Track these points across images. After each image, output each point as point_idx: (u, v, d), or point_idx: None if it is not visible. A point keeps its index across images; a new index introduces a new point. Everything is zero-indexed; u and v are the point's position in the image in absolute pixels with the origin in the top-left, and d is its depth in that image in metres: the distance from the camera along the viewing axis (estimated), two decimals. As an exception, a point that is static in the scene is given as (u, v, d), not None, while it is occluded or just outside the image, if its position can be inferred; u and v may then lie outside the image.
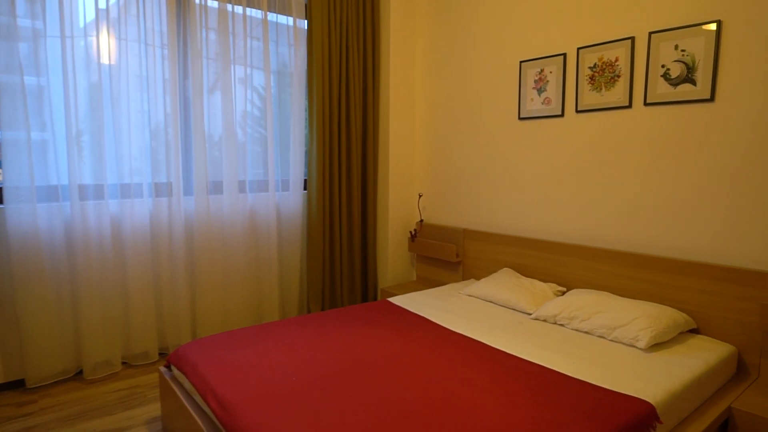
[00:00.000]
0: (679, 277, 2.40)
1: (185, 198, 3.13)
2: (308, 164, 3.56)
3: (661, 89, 2.47)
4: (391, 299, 2.93)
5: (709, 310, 2.31)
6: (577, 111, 2.83)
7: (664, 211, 2.50)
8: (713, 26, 2.27)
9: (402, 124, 3.80)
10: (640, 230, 2.60)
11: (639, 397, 1.73)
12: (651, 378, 1.88)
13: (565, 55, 2.86)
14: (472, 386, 1.80)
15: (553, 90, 2.95)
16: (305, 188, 3.65)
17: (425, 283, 3.82)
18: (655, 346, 2.16)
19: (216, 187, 3.26)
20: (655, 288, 2.49)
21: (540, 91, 3.02)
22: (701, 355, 2.09)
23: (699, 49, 2.32)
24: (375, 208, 3.85)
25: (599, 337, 2.32)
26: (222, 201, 3.25)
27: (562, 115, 2.91)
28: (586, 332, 2.37)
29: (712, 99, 2.30)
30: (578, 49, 2.79)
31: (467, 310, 2.72)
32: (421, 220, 3.85)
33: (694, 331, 2.37)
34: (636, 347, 2.18)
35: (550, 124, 2.99)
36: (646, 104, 2.53)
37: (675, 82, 2.42)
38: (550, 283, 2.89)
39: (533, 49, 3.04)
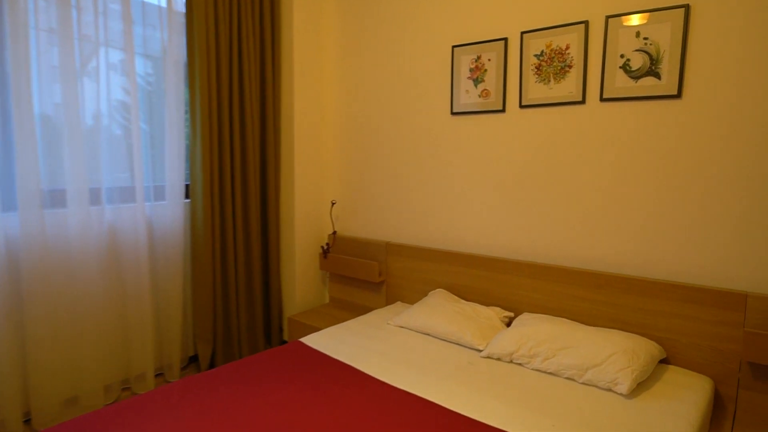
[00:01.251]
0: (645, 300, 2.09)
1: (4, 215, 2.20)
2: (190, 166, 2.78)
3: (620, 83, 2.14)
4: (305, 340, 2.30)
5: (679, 337, 2.03)
6: (521, 106, 2.43)
7: (626, 223, 2.18)
8: (680, 11, 1.97)
9: (310, 118, 3.17)
10: (599, 245, 2.26)
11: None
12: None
13: (506, 40, 2.45)
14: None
15: (492, 81, 2.52)
16: (188, 196, 2.86)
17: (340, 306, 3.23)
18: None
19: (56, 199, 2.36)
20: (618, 312, 2.17)
21: (477, 81, 2.58)
22: (688, 397, 1.77)
23: (664, 38, 2.02)
24: (278, 219, 3.17)
25: (568, 379, 1.92)
26: (65, 217, 2.37)
27: (504, 110, 2.50)
28: (551, 373, 1.96)
29: (679, 95, 2.01)
30: (522, 33, 2.39)
31: (404, 350, 2.19)
32: (334, 233, 3.25)
33: (663, 361, 2.08)
34: (614, 392, 1.81)
35: (489, 120, 2.56)
36: (602, 100, 2.19)
37: (636, 75, 2.10)
38: (493, 307, 2.47)
39: (468, 33, 2.59)
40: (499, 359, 2.10)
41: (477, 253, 2.65)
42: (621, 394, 1.78)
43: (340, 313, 3.11)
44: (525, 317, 2.28)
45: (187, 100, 2.73)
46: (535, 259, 2.46)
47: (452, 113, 2.68)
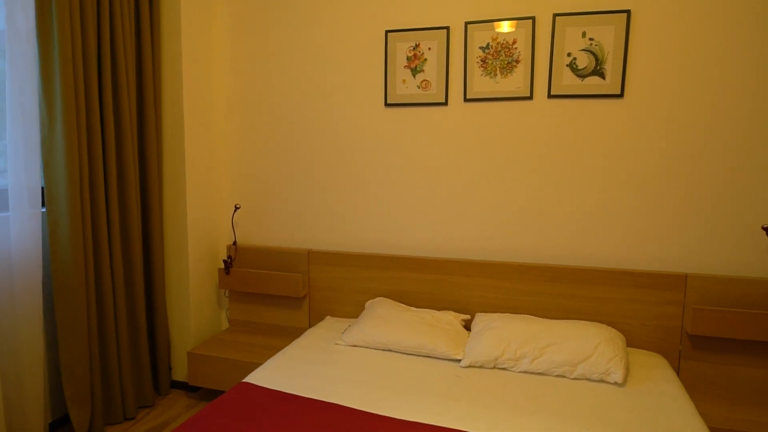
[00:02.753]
0: (597, 288, 2.20)
1: None
2: (45, 162, 1.98)
3: (567, 81, 2.21)
4: (252, 381, 1.82)
5: (629, 319, 2.18)
6: (466, 99, 2.34)
7: (574, 216, 2.26)
8: (623, 16, 2.10)
9: (203, 107, 2.58)
10: (550, 239, 2.30)
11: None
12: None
13: (448, 28, 2.33)
14: None
15: (432, 71, 2.37)
16: (44, 204, 2.04)
17: (248, 329, 2.71)
18: (620, 375, 1.86)
19: None
20: (572, 302, 2.23)
21: (415, 71, 2.40)
22: (665, 375, 1.89)
23: (608, 39, 2.14)
24: (162, 229, 2.50)
25: (559, 377, 1.89)
26: None
27: (446, 103, 2.37)
28: (541, 373, 1.91)
29: (621, 95, 2.15)
30: (466, 23, 2.30)
31: (376, 374, 1.90)
32: (234, 243, 2.71)
33: (615, 344, 2.21)
34: (607, 382, 1.83)
35: (430, 113, 2.41)
36: (550, 96, 2.23)
37: (582, 74, 2.18)
38: (447, 311, 2.33)
39: (405, 17, 2.39)
40: (481, 367, 1.96)
41: (420, 255, 2.48)
42: (614, 383, 1.82)
43: (252, 338, 2.60)
44: (486, 318, 2.19)
45: (40, 81, 1.93)
46: (485, 257, 2.40)
47: (387, 104, 2.45)
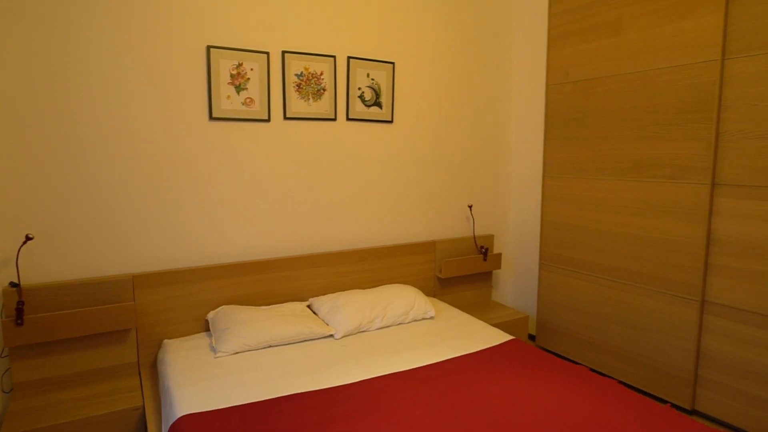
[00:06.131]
0: (388, 260, 3.05)
1: None
2: None
3: (359, 108, 2.91)
4: (190, 411, 1.77)
5: (408, 277, 3.14)
6: (286, 118, 2.69)
7: (368, 209, 3.02)
8: (390, 65, 2.97)
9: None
10: (357, 228, 2.98)
11: (509, 338, 2.44)
12: (483, 331, 2.58)
13: (268, 54, 2.60)
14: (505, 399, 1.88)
15: (255, 90, 2.59)
16: None
17: (53, 387, 2.21)
18: (427, 312, 2.80)
19: None
20: (376, 274, 3.01)
21: (239, 88, 2.55)
22: (446, 307, 2.94)
23: (383, 81, 2.96)
24: None
25: (400, 324, 2.65)
26: None
27: (269, 120, 2.65)
28: (389, 326, 2.62)
29: (392, 121, 3.03)
30: (283, 52, 2.64)
31: (284, 364, 2.16)
32: (15, 285, 2.12)
33: (402, 296, 3.13)
34: (427, 319, 2.73)
35: (254, 128, 2.62)
36: (348, 119, 2.88)
37: (368, 104, 2.94)
38: (292, 302, 2.68)
39: (227, 35, 2.49)
40: (350, 334, 2.50)
41: (252, 259, 2.68)
42: (431, 318, 2.73)
43: (71, 393, 2.14)
44: (327, 299, 2.69)
45: None
46: (309, 251, 2.85)
47: (211, 118, 2.50)
